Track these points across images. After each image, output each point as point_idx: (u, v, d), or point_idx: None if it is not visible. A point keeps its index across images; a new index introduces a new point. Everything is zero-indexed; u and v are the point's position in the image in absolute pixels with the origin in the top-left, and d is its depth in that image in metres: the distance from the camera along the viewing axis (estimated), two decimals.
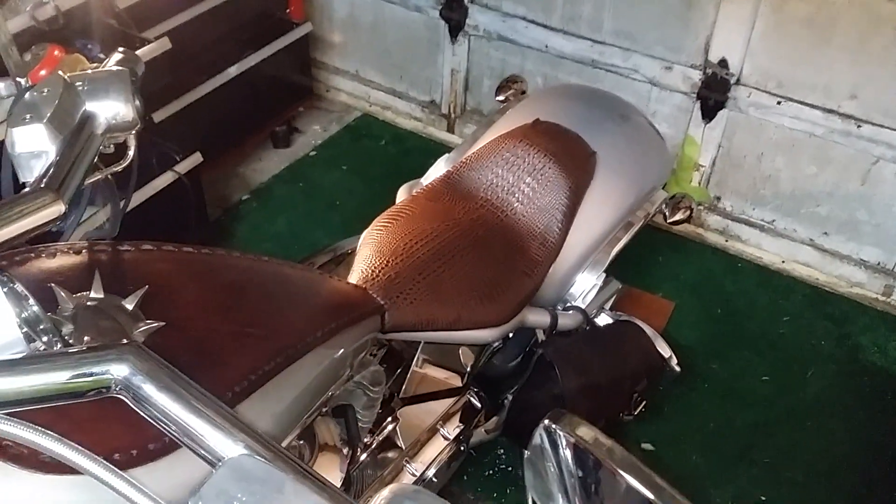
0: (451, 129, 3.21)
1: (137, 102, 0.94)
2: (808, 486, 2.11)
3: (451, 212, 1.68)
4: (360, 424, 1.46)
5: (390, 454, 1.65)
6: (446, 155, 2.02)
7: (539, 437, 0.92)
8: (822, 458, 2.17)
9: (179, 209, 2.28)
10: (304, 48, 3.06)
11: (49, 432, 0.62)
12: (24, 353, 0.64)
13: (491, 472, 2.13)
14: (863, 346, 2.48)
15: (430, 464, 1.66)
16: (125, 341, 0.64)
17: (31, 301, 0.66)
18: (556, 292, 1.83)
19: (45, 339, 0.66)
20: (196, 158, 2.27)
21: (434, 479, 1.67)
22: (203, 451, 0.60)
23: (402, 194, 1.92)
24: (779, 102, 2.45)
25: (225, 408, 0.61)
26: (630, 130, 1.98)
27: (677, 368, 1.93)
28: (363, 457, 1.55)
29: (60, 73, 0.95)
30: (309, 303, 1.12)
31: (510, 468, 2.14)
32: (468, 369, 1.79)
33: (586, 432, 0.86)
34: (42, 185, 0.78)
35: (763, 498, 2.08)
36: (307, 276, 1.24)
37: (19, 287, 0.65)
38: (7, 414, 0.60)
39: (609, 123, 1.94)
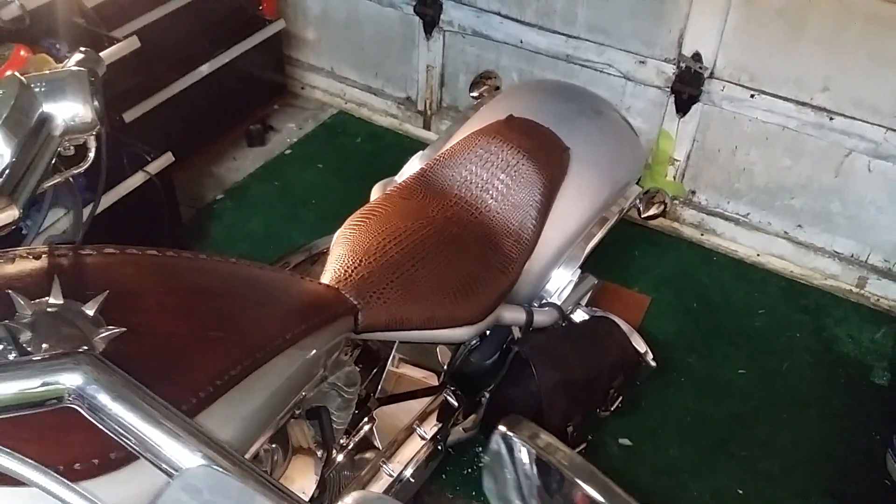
0: (427, 126, 3.19)
1: (96, 103, 0.91)
2: (785, 478, 2.12)
3: (424, 209, 1.67)
4: (335, 426, 1.45)
5: (367, 455, 1.63)
6: (420, 152, 2.01)
7: (496, 443, 0.90)
8: (799, 449, 2.19)
9: (151, 210, 2.25)
10: (277, 45, 3.03)
11: None
12: None
13: (469, 470, 2.12)
14: (837, 338, 2.49)
15: (408, 464, 1.65)
16: (80, 350, 0.62)
17: None
18: (531, 289, 1.82)
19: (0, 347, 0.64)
20: (167, 158, 2.24)
21: (412, 479, 1.66)
22: (160, 462, 0.59)
23: (375, 192, 1.90)
24: (752, 96, 2.45)
25: (182, 417, 0.60)
26: (603, 126, 1.98)
27: (653, 364, 1.93)
28: (339, 458, 1.54)
29: (16, 73, 0.93)
30: (278, 304, 1.11)
31: None
32: (444, 368, 1.78)
33: (543, 439, 0.85)
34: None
35: (740, 491, 2.09)
36: (277, 276, 1.23)
37: None
38: None
39: (582, 119, 1.94)
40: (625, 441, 2.19)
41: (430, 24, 2.92)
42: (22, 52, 1.85)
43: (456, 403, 1.79)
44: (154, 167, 2.19)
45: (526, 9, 2.71)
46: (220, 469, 0.55)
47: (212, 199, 2.91)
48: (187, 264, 0.99)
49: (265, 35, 2.87)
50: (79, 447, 0.69)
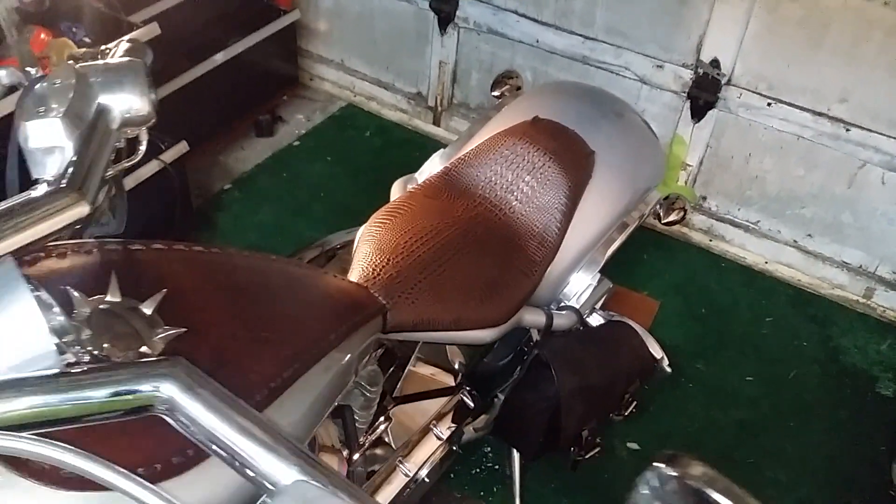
0: (436, 122, 3.18)
1: (153, 95, 0.89)
2: (792, 487, 2.13)
3: (449, 209, 1.66)
4: (357, 425, 1.44)
5: (383, 454, 1.63)
6: (441, 150, 1.99)
7: (646, 482, 0.80)
8: (805, 458, 2.20)
9: (165, 199, 2.23)
10: (291, 36, 3.01)
11: (76, 449, 0.58)
12: (57, 368, 0.61)
13: (478, 470, 2.12)
14: (844, 348, 2.51)
15: (423, 463, 1.64)
16: (170, 357, 0.60)
17: (57, 309, 0.62)
18: (550, 292, 1.82)
19: (73, 349, 0.62)
20: (182, 147, 2.22)
21: (427, 479, 1.65)
22: (256, 477, 0.57)
23: (396, 189, 1.89)
24: (769, 104, 2.46)
25: (278, 430, 0.58)
26: (626, 129, 1.97)
27: (668, 370, 1.92)
28: (356, 457, 1.53)
29: (71, 62, 0.91)
30: (320, 304, 1.10)
31: (497, 466, 2.13)
32: (460, 368, 1.78)
33: (704, 473, 0.75)
34: (64, 185, 0.75)
35: None
36: (313, 275, 1.22)
37: (45, 295, 0.62)
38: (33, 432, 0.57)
39: (605, 122, 1.93)
40: (633, 445, 2.19)
41: (446, 20, 2.90)
42: (42, 35, 1.82)
43: (472, 404, 1.79)
44: (169, 156, 2.16)
45: (544, 9, 2.70)
46: (318, 485, 0.54)
47: (219, 188, 2.89)
48: (232, 261, 0.97)
49: (280, 25, 2.85)
50: (158, 447, 0.68)
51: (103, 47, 1.08)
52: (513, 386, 1.81)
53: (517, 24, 2.76)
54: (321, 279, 1.25)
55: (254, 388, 0.80)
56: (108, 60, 0.92)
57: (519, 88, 2.13)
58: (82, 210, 0.73)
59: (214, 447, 0.58)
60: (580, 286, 1.87)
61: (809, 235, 2.64)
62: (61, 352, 0.61)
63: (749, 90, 2.48)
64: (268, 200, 2.88)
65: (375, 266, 1.42)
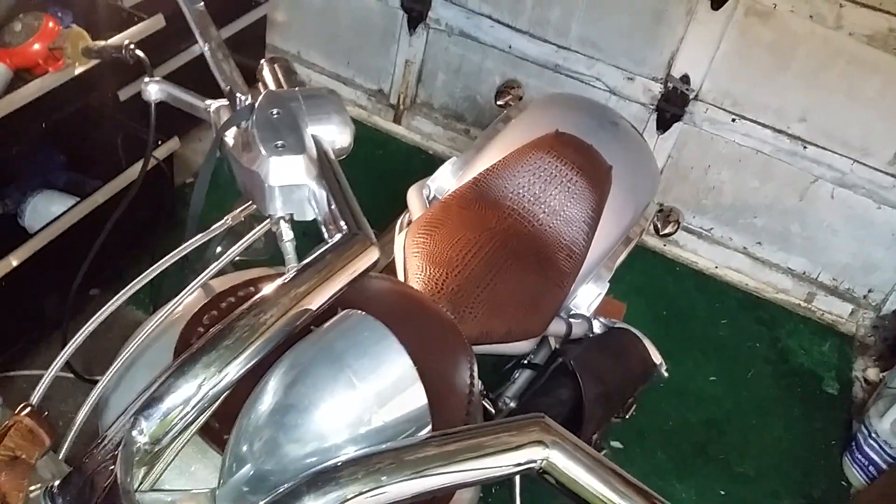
0: (397, 121, 3.17)
1: (353, 126, 0.88)
2: (760, 480, 2.29)
3: (482, 220, 1.68)
4: None
5: None
6: (454, 158, 2.00)
7: None
8: (768, 453, 2.37)
9: (155, 195, 2.14)
10: (262, 28, 2.92)
11: None
12: (429, 428, 0.61)
13: None
14: (791, 349, 2.71)
15: None
16: (530, 416, 0.61)
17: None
18: (566, 302, 1.88)
19: None
20: (173, 144, 2.13)
21: None
22: None
23: (412, 195, 1.90)
24: (733, 120, 2.61)
25: (643, 487, 0.60)
26: (629, 145, 2.05)
27: (666, 374, 2.03)
28: None
29: (273, 88, 0.88)
30: (442, 333, 1.11)
31: None
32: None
33: None
34: (347, 230, 0.73)
35: (722, 492, 2.25)
36: (420, 296, 1.23)
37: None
38: None
39: (610, 135, 2.00)
40: (616, 444, 2.30)
41: (416, 19, 2.90)
42: (51, 24, 1.71)
43: (493, 410, 1.83)
44: (161, 152, 2.08)
45: (519, 16, 2.75)
46: None
47: (181, 182, 2.78)
48: (386, 286, 0.98)
49: (253, 18, 2.75)
50: None
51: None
52: (531, 392, 1.86)
53: (491, 29, 2.79)
54: (420, 297, 1.27)
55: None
56: (300, 88, 0.89)
57: (520, 98, 2.18)
58: (373, 255, 0.72)
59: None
60: (590, 296, 1.94)
61: (759, 243, 2.83)
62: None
63: (715, 106, 2.62)
64: (227, 194, 2.79)
65: (437, 280, 1.44)
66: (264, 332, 0.64)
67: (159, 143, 2.07)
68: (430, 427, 0.63)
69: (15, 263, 1.93)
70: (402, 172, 2.77)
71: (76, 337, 0.87)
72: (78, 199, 2.09)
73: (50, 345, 2.11)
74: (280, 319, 0.66)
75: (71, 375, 1.76)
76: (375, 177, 2.93)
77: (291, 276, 0.68)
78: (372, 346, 0.62)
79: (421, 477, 0.58)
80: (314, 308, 0.66)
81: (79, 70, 1.89)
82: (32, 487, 0.63)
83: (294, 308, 0.67)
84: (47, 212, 2.10)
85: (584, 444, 0.61)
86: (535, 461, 0.60)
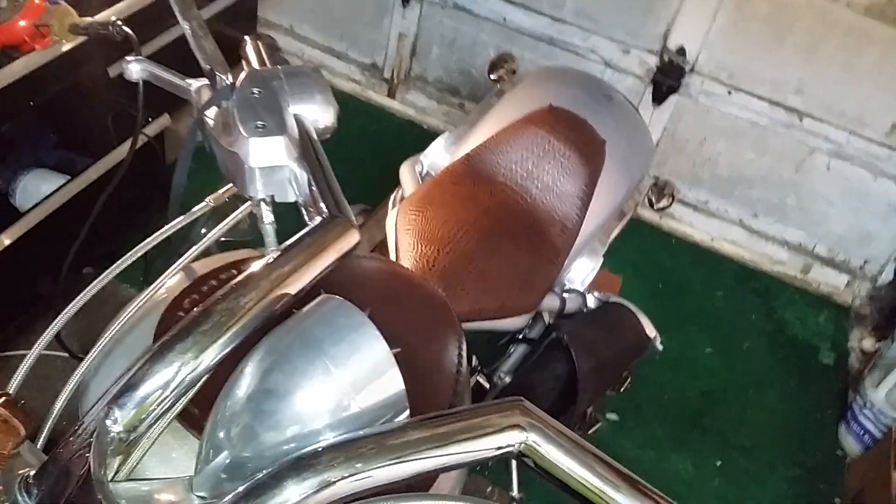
0: (391, 95, 3.15)
1: (336, 106, 0.87)
2: (756, 451, 2.31)
3: (475, 196, 1.67)
4: None
5: None
6: (446, 134, 1.99)
7: None
8: (764, 424, 2.38)
9: (145, 173, 2.13)
10: (254, 1, 2.89)
11: None
12: (406, 414, 0.61)
13: None
14: (787, 321, 2.71)
15: None
16: (509, 399, 0.61)
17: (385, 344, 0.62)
18: (560, 277, 1.88)
19: None
20: (164, 121, 2.12)
21: None
22: None
23: (404, 170, 1.89)
24: (729, 92, 2.59)
25: (619, 467, 0.60)
26: (624, 118, 2.03)
27: (661, 347, 2.03)
28: None
29: (255, 67, 0.87)
30: (426, 305, 1.11)
31: None
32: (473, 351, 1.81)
33: None
34: (328, 213, 0.72)
35: (718, 463, 2.26)
36: (409, 274, 1.23)
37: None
38: None
39: (603, 109, 1.99)
40: (612, 416, 2.31)
41: None
42: (37, 0, 1.69)
43: (487, 385, 1.84)
44: (151, 130, 2.06)
45: None
46: None
47: (172, 159, 2.76)
48: (374, 266, 0.97)
49: None
50: None
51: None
52: (526, 366, 1.87)
53: (485, 1, 2.76)
54: (411, 277, 1.27)
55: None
56: (283, 67, 0.88)
57: (514, 72, 2.16)
58: (353, 238, 0.71)
59: (572, 488, 0.60)
60: (584, 271, 1.94)
61: (755, 215, 2.82)
62: None
63: (711, 78, 2.60)
64: (219, 175, 2.78)
65: (428, 257, 1.44)
66: (242, 317, 0.64)
67: (149, 120, 2.05)
68: (407, 412, 0.63)
69: (7, 242, 1.92)
70: (396, 147, 2.75)
71: (55, 322, 0.87)
72: (69, 177, 2.08)
73: (46, 324, 2.10)
74: (258, 304, 0.65)
75: (66, 355, 1.76)
76: (369, 152, 2.92)
77: (270, 259, 0.68)
78: (348, 332, 0.61)
79: (398, 462, 0.58)
80: (293, 293, 0.66)
81: (66, 47, 1.87)
82: (4, 478, 0.63)
83: (273, 292, 0.66)
84: (38, 191, 2.09)
85: (564, 428, 0.61)
86: (512, 445, 0.60)
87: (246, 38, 1.00)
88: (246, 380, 0.63)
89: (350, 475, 0.59)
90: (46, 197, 2.01)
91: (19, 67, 1.81)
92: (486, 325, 1.55)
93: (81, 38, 1.88)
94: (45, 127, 2.17)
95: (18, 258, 1.96)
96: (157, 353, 0.61)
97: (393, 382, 0.62)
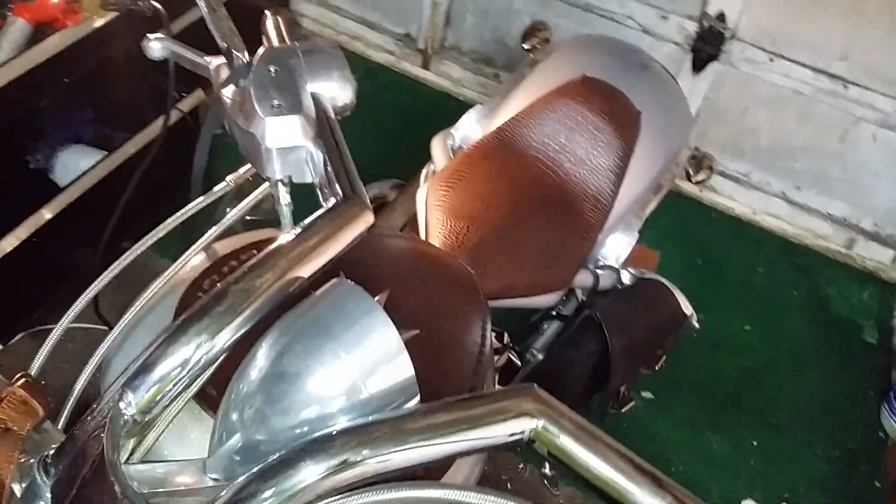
0: (426, 66, 3.12)
1: (355, 83, 0.85)
2: (793, 431, 2.26)
3: (507, 171, 1.65)
4: None
5: None
6: (478, 106, 1.96)
7: None
8: (803, 403, 2.33)
9: (182, 147, 2.13)
10: None
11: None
12: (416, 399, 0.60)
13: None
14: (830, 297, 2.64)
15: None
16: (520, 386, 0.60)
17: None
18: (592, 253, 1.85)
19: None
20: (198, 95, 2.12)
21: None
22: None
23: (436, 145, 1.87)
24: (771, 59, 2.51)
25: (644, 464, 0.58)
26: (660, 88, 1.98)
27: (697, 325, 1.99)
28: None
29: (274, 44, 0.86)
30: (457, 283, 1.10)
31: None
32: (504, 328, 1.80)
33: None
34: (342, 195, 0.71)
35: (755, 443, 2.22)
36: (436, 252, 1.21)
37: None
38: None
39: (639, 78, 1.93)
40: (647, 394, 2.28)
41: None
42: None
43: (519, 363, 1.82)
44: (186, 105, 2.07)
45: None
46: None
47: (212, 134, 2.77)
48: (398, 245, 0.96)
49: None
50: None
51: None
52: (558, 344, 1.85)
53: None
54: (443, 257, 1.25)
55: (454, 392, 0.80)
56: (300, 43, 0.86)
57: (547, 41, 2.11)
58: (367, 221, 0.70)
59: (583, 477, 0.58)
60: (619, 246, 1.90)
61: (798, 188, 2.75)
62: None
63: (752, 45, 2.52)
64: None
65: (457, 233, 1.42)
66: (256, 299, 0.63)
67: (183, 95, 2.05)
68: (417, 398, 0.62)
69: (48, 217, 1.95)
70: (431, 120, 2.72)
71: (77, 302, 0.87)
72: (106, 152, 2.10)
73: None
74: (272, 286, 0.64)
75: (106, 328, 1.79)
76: (403, 125, 2.90)
77: (283, 242, 0.67)
78: (359, 317, 0.60)
79: (410, 447, 0.57)
80: (306, 276, 0.65)
81: (98, 23, 1.88)
82: (24, 458, 0.63)
83: (286, 275, 0.65)
84: (76, 166, 2.11)
85: (576, 415, 0.60)
86: (523, 432, 0.59)
87: (266, 13, 0.98)
88: (258, 362, 0.62)
89: (363, 459, 0.58)
90: (84, 172, 2.03)
91: (53, 44, 1.82)
92: (517, 302, 1.53)
93: (113, 14, 1.89)
94: (81, 102, 2.18)
95: (58, 233, 1.98)
96: (170, 336, 0.61)
97: (403, 368, 0.61)
